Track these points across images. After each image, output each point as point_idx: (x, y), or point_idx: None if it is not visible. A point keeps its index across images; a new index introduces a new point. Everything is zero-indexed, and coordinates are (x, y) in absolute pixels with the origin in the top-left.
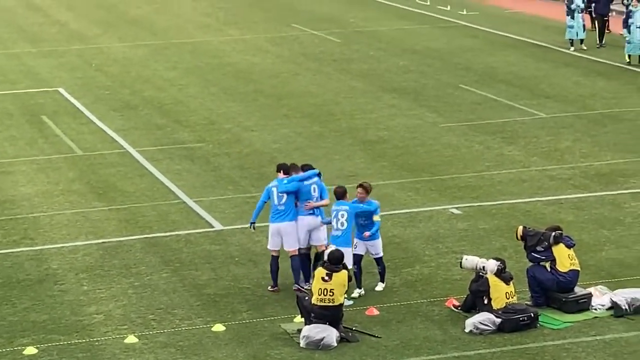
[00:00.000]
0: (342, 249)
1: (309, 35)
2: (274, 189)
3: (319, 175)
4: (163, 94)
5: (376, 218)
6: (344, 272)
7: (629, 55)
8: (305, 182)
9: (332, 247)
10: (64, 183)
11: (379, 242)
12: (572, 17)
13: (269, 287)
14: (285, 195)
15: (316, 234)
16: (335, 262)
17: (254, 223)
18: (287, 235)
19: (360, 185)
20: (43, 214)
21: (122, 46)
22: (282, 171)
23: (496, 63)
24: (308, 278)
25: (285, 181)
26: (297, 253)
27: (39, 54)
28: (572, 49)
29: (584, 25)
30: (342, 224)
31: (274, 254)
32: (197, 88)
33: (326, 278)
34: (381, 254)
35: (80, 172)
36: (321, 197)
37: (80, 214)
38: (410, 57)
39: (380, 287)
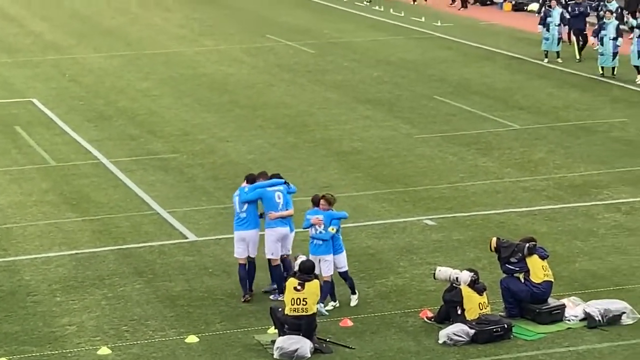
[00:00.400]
0: (327, 257)
1: (283, 46)
2: (236, 198)
3: (286, 184)
4: (137, 104)
5: (330, 229)
6: (316, 281)
7: (602, 67)
8: (269, 189)
9: (303, 257)
10: (37, 194)
11: (342, 256)
12: (548, 30)
13: (242, 298)
14: (246, 204)
15: (288, 243)
16: (306, 272)
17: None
18: (252, 242)
19: (323, 197)
20: (16, 224)
21: (97, 57)
22: (246, 180)
23: (470, 74)
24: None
25: (246, 189)
26: (277, 262)
27: (14, 65)
28: (547, 60)
29: (559, 38)
30: (322, 233)
31: (241, 261)
32: (172, 99)
33: (299, 287)
34: (346, 268)
35: (54, 182)
36: (286, 207)
37: (54, 225)
38: (384, 68)
39: (354, 300)
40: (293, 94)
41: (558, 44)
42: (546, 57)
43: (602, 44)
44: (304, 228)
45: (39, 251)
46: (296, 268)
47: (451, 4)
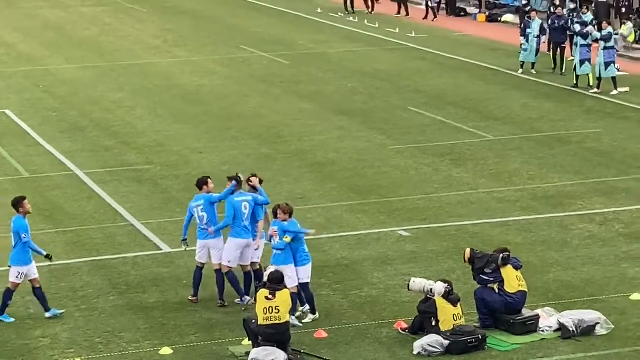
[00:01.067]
0: (285, 267)
1: (257, 57)
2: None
3: (234, 189)
4: (111, 115)
5: (285, 239)
6: (287, 290)
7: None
8: (237, 199)
9: (272, 268)
10: (9, 206)
11: (305, 268)
12: (527, 40)
13: (190, 296)
14: (205, 215)
15: (247, 252)
16: (276, 282)
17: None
18: (214, 250)
19: (278, 207)
20: None
21: (70, 68)
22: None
23: (445, 85)
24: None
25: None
26: (228, 268)
27: None
28: (521, 71)
29: (537, 50)
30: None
31: (199, 265)
32: (145, 110)
33: (270, 297)
34: (306, 280)
35: (27, 194)
36: (254, 216)
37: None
38: (359, 79)
39: (309, 318)
40: (267, 104)
41: (536, 55)
42: (521, 67)
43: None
44: (266, 241)
45: None
46: (265, 279)
47: (424, 18)
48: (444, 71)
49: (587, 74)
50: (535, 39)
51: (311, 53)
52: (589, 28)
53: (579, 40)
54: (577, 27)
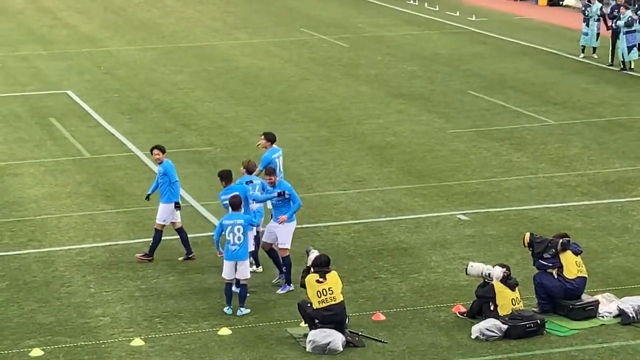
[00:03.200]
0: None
1: (317, 40)
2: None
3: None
4: (171, 97)
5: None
6: (335, 271)
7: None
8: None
9: (315, 252)
10: (72, 185)
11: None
12: (587, 25)
13: (139, 255)
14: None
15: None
16: (323, 265)
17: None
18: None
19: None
20: (50, 216)
21: (131, 49)
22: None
23: (505, 69)
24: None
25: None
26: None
27: (49, 57)
28: (582, 55)
29: (597, 34)
30: (239, 239)
31: (158, 227)
32: (205, 92)
33: (320, 280)
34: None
35: (88, 174)
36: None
37: (88, 217)
38: (418, 63)
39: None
40: (326, 87)
41: (597, 39)
42: (582, 52)
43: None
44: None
45: (73, 242)
46: (309, 263)
47: None
48: (504, 55)
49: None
50: (596, 23)
51: (371, 36)
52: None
53: (623, 29)
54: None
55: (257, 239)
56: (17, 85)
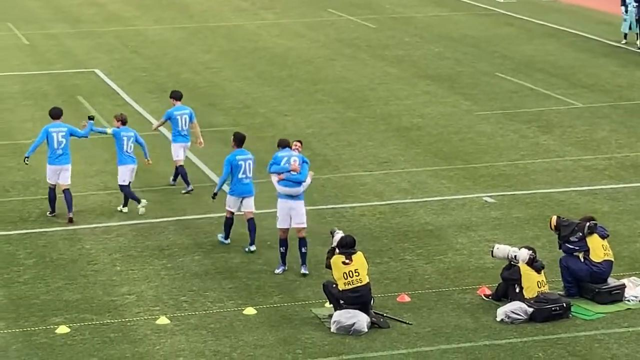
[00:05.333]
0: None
1: (344, 21)
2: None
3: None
4: (198, 77)
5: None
6: (360, 252)
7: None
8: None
9: (341, 233)
10: (99, 164)
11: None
12: (626, 11)
13: (48, 213)
14: (64, 141)
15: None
16: (349, 247)
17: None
18: (65, 175)
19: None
20: (78, 194)
21: (159, 28)
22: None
23: (533, 52)
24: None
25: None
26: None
27: (77, 35)
28: (624, 42)
29: (637, 20)
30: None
31: (51, 186)
32: (232, 72)
33: (347, 261)
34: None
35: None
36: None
37: (114, 195)
38: (446, 44)
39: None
40: (353, 68)
41: (637, 24)
42: (625, 38)
43: (626, 11)
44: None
45: (99, 220)
46: (334, 244)
47: None
48: (532, 37)
49: None
50: (635, 9)
51: (398, 17)
52: None
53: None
54: None
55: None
56: (45, 63)
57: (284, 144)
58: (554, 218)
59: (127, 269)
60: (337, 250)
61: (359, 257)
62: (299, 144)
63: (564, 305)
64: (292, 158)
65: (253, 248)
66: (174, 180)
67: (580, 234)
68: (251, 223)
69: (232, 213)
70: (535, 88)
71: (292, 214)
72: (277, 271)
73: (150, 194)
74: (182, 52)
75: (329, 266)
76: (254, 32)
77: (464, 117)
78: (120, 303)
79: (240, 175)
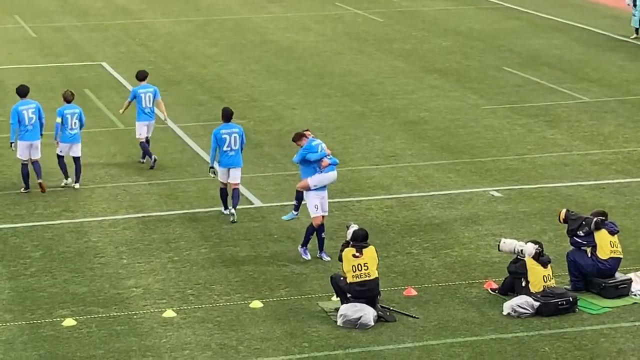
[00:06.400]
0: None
1: (352, 14)
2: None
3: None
4: (205, 70)
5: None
6: (372, 247)
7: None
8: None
9: (355, 226)
10: (106, 156)
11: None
12: (635, 5)
13: (22, 189)
14: (34, 117)
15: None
16: (361, 240)
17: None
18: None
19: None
20: (84, 186)
21: (166, 22)
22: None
23: (540, 46)
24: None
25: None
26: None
27: (84, 28)
28: (634, 36)
29: None
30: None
31: (23, 162)
32: (239, 65)
33: (357, 254)
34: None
35: (122, 146)
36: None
37: (121, 188)
38: (453, 38)
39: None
40: (361, 62)
41: None
42: (636, 33)
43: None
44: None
45: (106, 213)
46: (348, 237)
47: None
48: (539, 31)
49: None
50: None
51: (405, 11)
52: None
53: None
54: None
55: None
56: (52, 56)
57: (300, 135)
58: (563, 211)
59: (134, 262)
60: (350, 244)
61: (370, 251)
62: (308, 132)
63: (571, 299)
64: (322, 144)
65: (233, 211)
66: (143, 158)
67: (587, 229)
68: (235, 192)
69: (225, 184)
70: (542, 82)
71: (323, 203)
72: (308, 257)
73: (157, 188)
74: (189, 46)
75: (341, 258)
76: (261, 25)
77: (470, 111)
78: (127, 296)
79: (225, 148)
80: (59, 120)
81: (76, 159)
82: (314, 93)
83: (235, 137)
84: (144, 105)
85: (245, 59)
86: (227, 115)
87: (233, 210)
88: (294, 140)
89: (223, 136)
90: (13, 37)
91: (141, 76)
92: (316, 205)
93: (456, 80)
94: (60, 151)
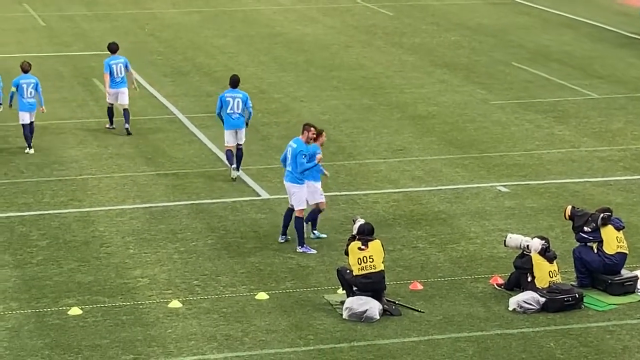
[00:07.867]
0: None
1: (361, 7)
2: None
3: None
4: (214, 61)
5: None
6: (378, 240)
7: None
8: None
9: (361, 220)
10: (114, 146)
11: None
12: None
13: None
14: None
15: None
16: (367, 234)
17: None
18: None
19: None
20: (91, 176)
21: (175, 12)
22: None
23: (550, 42)
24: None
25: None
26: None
27: (93, 18)
28: None
29: None
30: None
31: (25, 125)
32: (248, 57)
33: (363, 247)
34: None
35: (130, 136)
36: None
37: (128, 178)
38: (462, 33)
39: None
40: (369, 55)
41: None
42: None
43: None
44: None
45: (113, 203)
46: (355, 231)
47: None
48: (548, 27)
49: None
50: None
51: (415, 5)
52: None
53: None
54: None
55: None
56: (61, 45)
57: (113, 49)
58: (569, 208)
59: (140, 252)
60: (356, 238)
61: (375, 244)
62: (313, 129)
63: (577, 295)
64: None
65: (238, 172)
66: (111, 124)
67: (594, 225)
68: (239, 151)
69: (231, 147)
70: (551, 78)
71: (315, 192)
72: (312, 251)
73: (165, 178)
74: (198, 36)
75: (347, 252)
76: (270, 17)
77: (479, 106)
78: (133, 286)
79: (228, 111)
80: (13, 89)
81: (31, 124)
82: (323, 86)
83: (238, 102)
84: (115, 75)
85: (254, 51)
86: (233, 82)
87: (239, 171)
88: (315, 137)
89: (227, 99)
90: (22, 25)
91: (111, 48)
92: (306, 200)
93: (465, 75)
94: (23, 120)
